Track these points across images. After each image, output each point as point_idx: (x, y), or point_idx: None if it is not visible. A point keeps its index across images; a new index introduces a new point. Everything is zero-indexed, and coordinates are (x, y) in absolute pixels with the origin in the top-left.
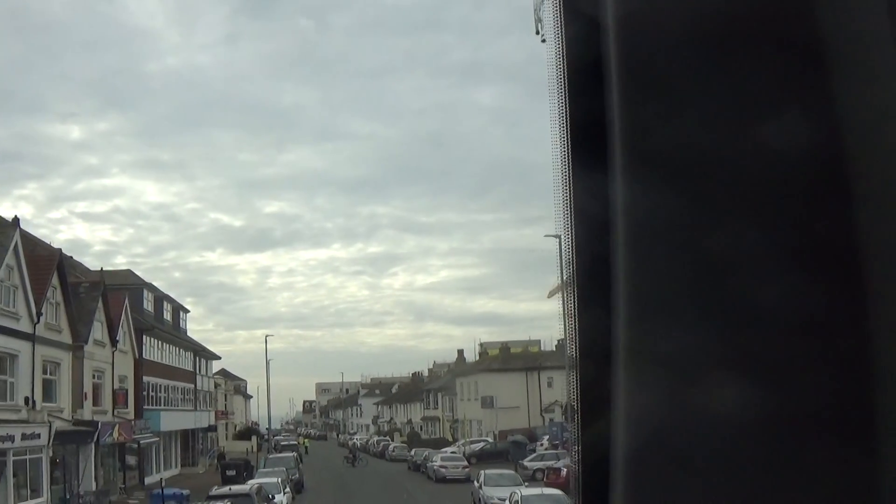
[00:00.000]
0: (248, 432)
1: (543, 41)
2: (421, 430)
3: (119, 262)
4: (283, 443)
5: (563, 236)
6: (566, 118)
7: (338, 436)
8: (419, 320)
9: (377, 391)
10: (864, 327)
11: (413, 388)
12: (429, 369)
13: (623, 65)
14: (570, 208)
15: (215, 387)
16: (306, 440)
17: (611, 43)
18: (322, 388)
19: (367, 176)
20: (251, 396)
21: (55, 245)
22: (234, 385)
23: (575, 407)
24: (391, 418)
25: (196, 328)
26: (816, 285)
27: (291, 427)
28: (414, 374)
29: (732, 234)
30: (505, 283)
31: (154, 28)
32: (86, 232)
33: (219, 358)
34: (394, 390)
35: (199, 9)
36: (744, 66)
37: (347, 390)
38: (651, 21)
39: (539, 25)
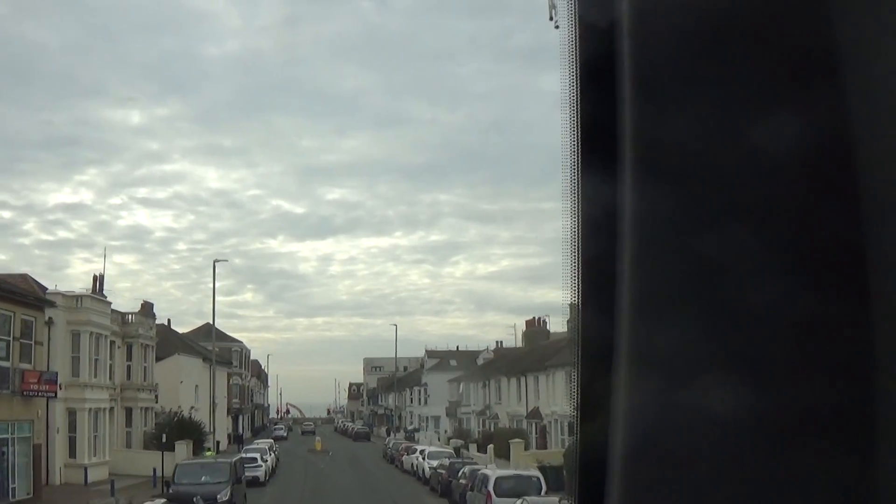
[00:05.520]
0: (181, 429)
1: (557, 27)
2: None
3: (180, 249)
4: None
5: (569, 234)
6: (577, 114)
7: (388, 433)
8: (480, 309)
9: (452, 362)
10: (861, 329)
11: (529, 352)
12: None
13: (635, 64)
14: (578, 204)
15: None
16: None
17: (624, 42)
18: (371, 366)
19: (429, 162)
20: (233, 366)
21: None
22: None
23: (574, 406)
24: (487, 406)
25: (257, 315)
26: (813, 288)
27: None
28: (531, 323)
29: (730, 236)
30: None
31: (214, 11)
32: (146, 218)
33: None
34: (480, 361)
35: None
36: (750, 69)
37: (405, 368)
38: (664, 22)
39: (553, 11)
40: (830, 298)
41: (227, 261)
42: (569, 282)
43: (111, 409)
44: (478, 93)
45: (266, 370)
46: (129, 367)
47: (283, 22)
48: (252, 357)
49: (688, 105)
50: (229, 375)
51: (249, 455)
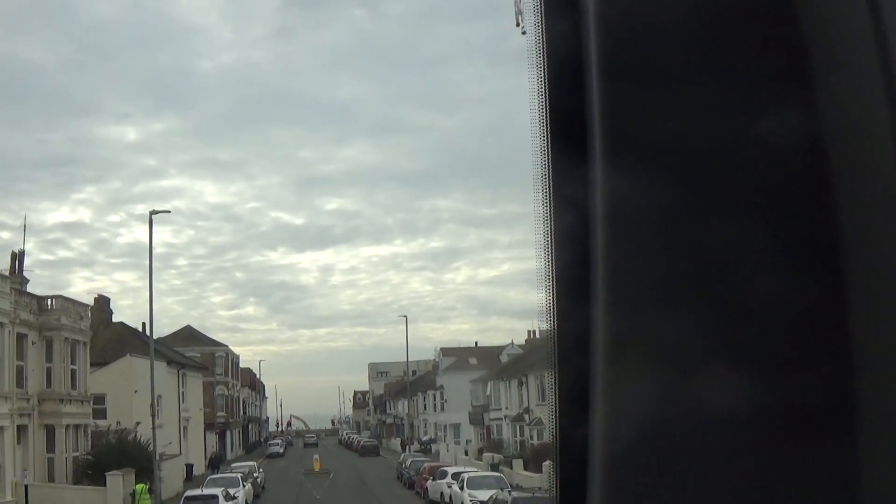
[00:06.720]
0: (122, 453)
1: (524, 33)
2: None
3: (181, 264)
4: None
5: (543, 227)
6: (546, 107)
7: (403, 447)
8: (482, 314)
9: (472, 360)
10: (856, 322)
11: None
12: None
13: (604, 56)
14: (550, 200)
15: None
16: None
17: (592, 34)
18: (377, 372)
19: (427, 169)
20: (217, 373)
21: None
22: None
23: (554, 402)
24: (526, 410)
25: (259, 328)
26: (806, 279)
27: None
28: None
29: (718, 226)
30: None
31: (206, 25)
32: (146, 234)
33: None
34: (504, 358)
35: (251, 2)
36: (726, 60)
37: (414, 372)
38: (634, 12)
39: (519, 17)
40: (825, 290)
41: (169, 212)
42: (543, 279)
43: (19, 427)
44: (474, 97)
45: (260, 379)
46: (48, 371)
47: (276, 33)
48: (244, 365)
49: (661, 96)
50: (210, 384)
51: (207, 492)
